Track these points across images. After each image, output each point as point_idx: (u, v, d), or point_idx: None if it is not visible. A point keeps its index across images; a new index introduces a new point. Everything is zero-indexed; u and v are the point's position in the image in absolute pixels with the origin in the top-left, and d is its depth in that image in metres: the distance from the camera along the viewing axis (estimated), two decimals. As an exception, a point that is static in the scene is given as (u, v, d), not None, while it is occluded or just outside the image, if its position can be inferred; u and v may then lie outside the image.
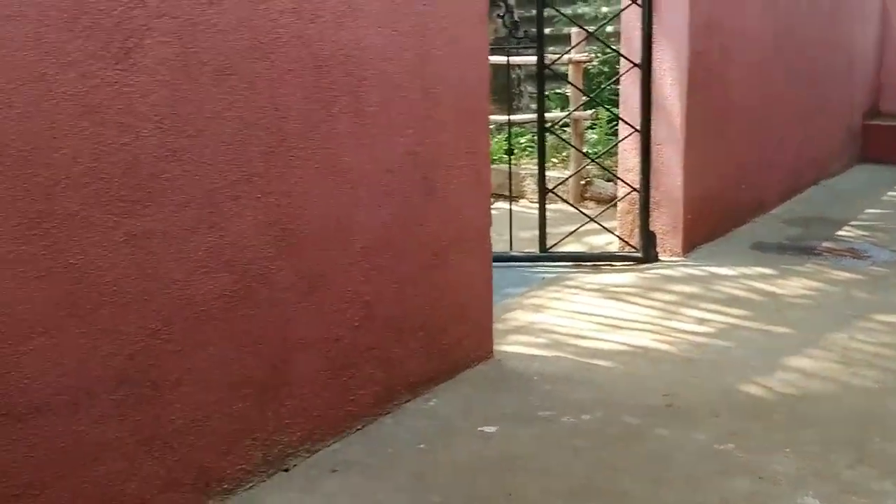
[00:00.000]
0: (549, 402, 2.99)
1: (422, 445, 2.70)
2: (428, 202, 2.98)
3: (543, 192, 4.74)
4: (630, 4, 4.58)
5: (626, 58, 4.67)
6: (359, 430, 2.79)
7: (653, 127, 4.62)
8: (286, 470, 2.55)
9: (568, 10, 7.31)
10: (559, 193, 5.06)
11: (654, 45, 4.54)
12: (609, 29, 6.67)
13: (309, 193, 2.52)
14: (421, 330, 3.01)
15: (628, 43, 4.70)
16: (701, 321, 3.81)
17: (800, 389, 3.09)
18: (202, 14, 2.17)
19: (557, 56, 5.52)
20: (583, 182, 6.32)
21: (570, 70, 6.15)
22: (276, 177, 2.42)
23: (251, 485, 2.45)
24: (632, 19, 4.64)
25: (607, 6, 7.27)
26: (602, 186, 6.23)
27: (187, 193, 2.19)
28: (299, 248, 2.51)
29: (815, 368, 3.27)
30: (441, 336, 3.11)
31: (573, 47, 5.96)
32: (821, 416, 2.88)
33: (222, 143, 2.26)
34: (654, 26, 4.53)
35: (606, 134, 6.90)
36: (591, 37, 5.28)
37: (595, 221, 4.86)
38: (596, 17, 7.28)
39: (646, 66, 4.53)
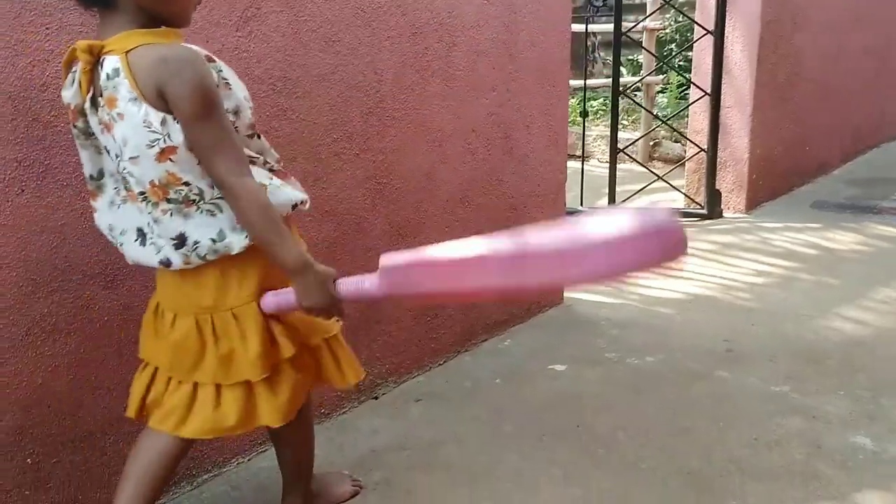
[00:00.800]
0: (614, 345, 2.98)
1: (497, 381, 2.73)
2: (507, 160, 2.96)
3: (615, 152, 4.67)
4: (704, -27, 4.43)
5: (700, 25, 4.55)
6: (441, 364, 2.83)
7: (723, 91, 4.50)
8: (376, 398, 2.60)
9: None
10: (629, 153, 4.97)
11: (727, 13, 4.40)
12: (682, -2, 6.48)
13: (401, 150, 2.53)
14: (500, 276, 3.02)
15: (703, 11, 4.57)
16: (759, 273, 3.75)
17: (852, 337, 3.02)
18: (310, -15, 2.19)
19: (633, 24, 5.38)
20: (652, 143, 6.20)
21: (644, 37, 5.99)
22: (373, 135, 2.43)
23: (345, 410, 2.51)
24: (706, -12, 4.50)
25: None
26: (670, 147, 6.11)
27: (295, 149, 2.22)
28: (391, 199, 2.53)
29: (866, 318, 3.19)
30: (518, 282, 3.11)
31: (649, 15, 5.80)
32: (872, 362, 2.81)
33: (326, 104, 2.28)
34: (728, -7, 4.38)
35: (676, 98, 6.72)
36: (666, 5, 5.12)
37: (663, 179, 4.79)
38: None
39: (719, 33, 4.41)
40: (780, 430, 2.38)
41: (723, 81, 4.49)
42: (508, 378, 2.75)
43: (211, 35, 1.97)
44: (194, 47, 1.49)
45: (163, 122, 1.41)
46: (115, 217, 1.60)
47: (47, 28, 1.70)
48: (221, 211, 1.52)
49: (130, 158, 1.46)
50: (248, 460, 2.26)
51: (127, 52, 1.41)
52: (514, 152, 2.98)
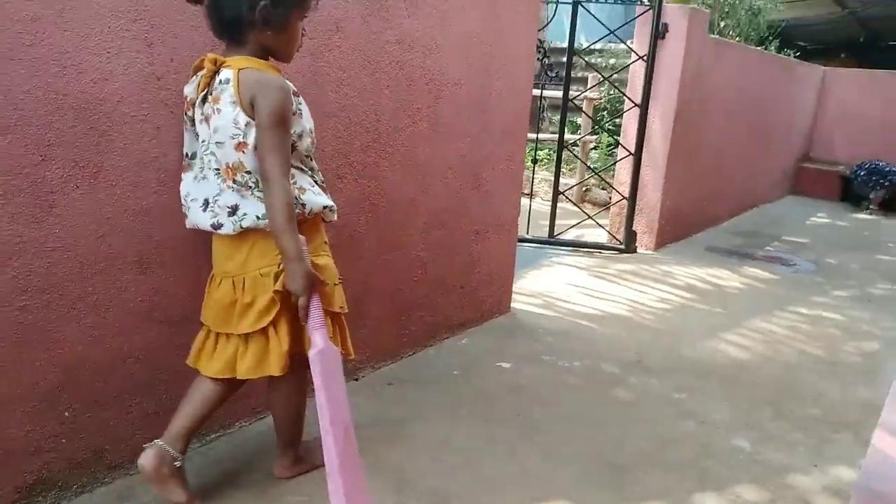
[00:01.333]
0: (549, 350, 2.96)
1: (455, 372, 2.69)
2: (475, 194, 2.93)
3: (556, 193, 4.68)
4: (637, 59, 4.47)
5: (630, 99, 4.55)
6: (410, 355, 2.78)
7: (644, 154, 4.53)
8: (356, 379, 2.55)
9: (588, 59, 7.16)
10: (567, 195, 4.99)
11: (651, 92, 4.44)
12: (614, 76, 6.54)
13: (391, 179, 2.49)
14: (460, 287, 2.98)
15: (632, 88, 4.59)
16: (662, 300, 3.76)
17: (734, 359, 3.04)
18: (329, 39, 2.14)
19: (577, 94, 5.41)
20: (584, 189, 6.23)
21: (584, 104, 6.03)
22: (370, 164, 2.39)
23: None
24: (637, 70, 4.54)
25: (615, 59, 7.08)
26: (598, 193, 6.14)
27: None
28: (381, 218, 2.49)
29: (745, 343, 3.22)
30: (474, 293, 3.08)
31: (590, 88, 5.84)
32: (750, 380, 2.83)
33: (333, 136, 2.24)
34: (654, 76, 4.42)
35: (605, 154, 6.79)
36: (604, 81, 5.15)
37: (592, 219, 4.80)
38: (606, 66, 7.11)
39: (644, 107, 4.42)
40: (677, 431, 2.38)
41: (645, 146, 4.53)
42: (464, 370, 2.71)
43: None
44: (287, 82, 1.59)
45: (246, 125, 1.55)
46: (192, 188, 1.69)
47: (108, 52, 1.63)
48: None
49: (217, 143, 1.59)
50: (250, 424, 2.19)
51: (240, 69, 1.55)
52: (481, 188, 2.95)
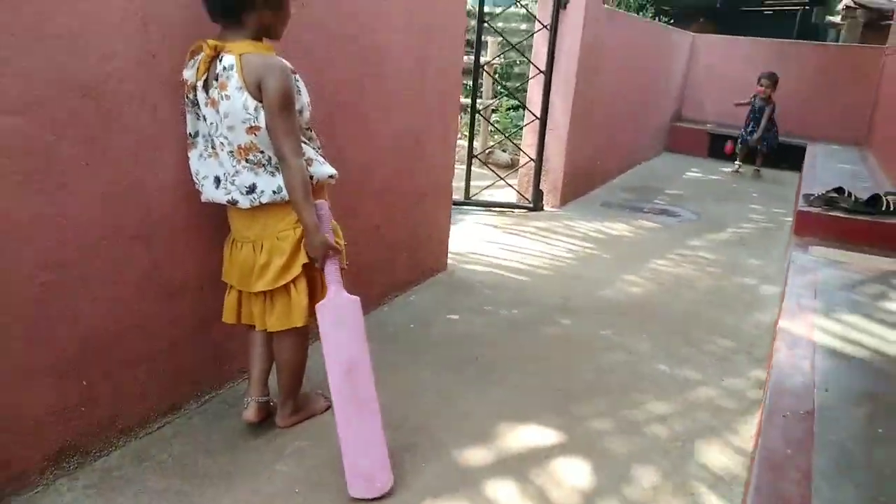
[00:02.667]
0: (489, 301, 3.26)
1: (412, 325, 2.92)
2: (417, 158, 3.13)
3: (471, 156, 4.94)
4: (541, 28, 4.77)
5: (535, 66, 4.86)
6: (369, 314, 2.94)
7: (549, 117, 4.88)
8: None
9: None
10: (480, 158, 5.25)
11: (554, 59, 4.76)
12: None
13: (349, 147, 2.64)
14: (407, 248, 3.19)
15: (537, 55, 4.89)
16: (573, 251, 4.16)
17: (641, 296, 3.48)
18: (297, 14, 2.24)
19: (486, 60, 5.65)
20: (487, 151, 6.54)
21: (486, 68, 6.28)
22: (331, 133, 2.51)
23: (315, 340, 2.59)
24: (540, 38, 4.85)
25: (505, 24, 7.39)
26: (500, 156, 6.47)
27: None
28: (340, 183, 2.60)
29: (649, 285, 3.67)
30: (418, 252, 3.30)
31: (499, 55, 6.09)
32: (658, 313, 3.27)
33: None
34: (557, 45, 4.75)
35: (505, 118, 7.11)
36: (511, 48, 5.38)
37: (503, 179, 5.12)
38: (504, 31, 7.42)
39: (548, 73, 4.74)
40: (610, 361, 2.76)
41: (549, 110, 4.87)
42: (419, 324, 2.94)
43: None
44: (285, 61, 1.70)
45: (255, 108, 1.67)
46: (200, 165, 1.83)
47: (110, 31, 1.68)
48: (280, 172, 1.75)
49: (228, 128, 1.70)
50: (237, 384, 2.31)
51: (241, 54, 1.65)
52: (422, 154, 3.15)
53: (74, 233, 1.70)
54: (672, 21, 8.48)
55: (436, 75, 3.12)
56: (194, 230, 2.00)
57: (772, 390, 2.05)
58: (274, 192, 1.76)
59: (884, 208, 4.25)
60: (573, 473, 2.00)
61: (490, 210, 4.95)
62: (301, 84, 1.80)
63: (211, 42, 1.68)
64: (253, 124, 1.69)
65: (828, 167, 5.99)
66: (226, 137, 1.74)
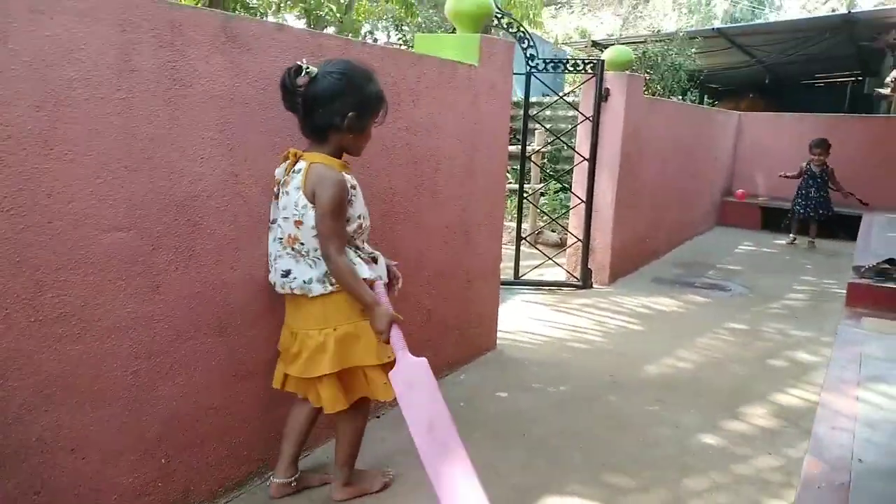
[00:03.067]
0: (537, 378, 3.37)
1: (462, 404, 3.05)
2: (466, 247, 3.36)
3: (519, 238, 5.16)
4: (584, 120, 5.05)
5: (580, 154, 5.11)
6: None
7: (594, 199, 5.08)
8: (378, 417, 2.85)
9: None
10: (527, 240, 5.46)
11: (598, 146, 5.01)
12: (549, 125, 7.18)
13: (403, 240, 2.89)
14: (457, 328, 3.37)
15: (580, 143, 5.16)
16: (621, 328, 4.24)
17: (691, 372, 3.53)
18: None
19: (534, 150, 5.93)
20: (537, 232, 6.75)
21: (534, 156, 6.58)
22: (387, 230, 2.79)
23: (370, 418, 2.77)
24: (583, 128, 5.12)
25: (551, 111, 7.75)
26: (549, 236, 6.67)
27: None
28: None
29: (697, 359, 3.72)
30: (468, 333, 3.47)
31: (546, 144, 6.39)
32: (706, 389, 3.31)
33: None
34: (599, 134, 5.01)
35: (552, 200, 7.36)
36: (556, 139, 5.66)
37: (552, 259, 5.30)
38: (545, 118, 7.78)
39: (592, 160, 4.98)
40: (656, 435, 2.83)
41: (595, 193, 5.08)
42: (468, 402, 3.08)
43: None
44: (348, 176, 1.98)
45: (303, 206, 1.95)
46: (272, 248, 2.10)
47: (201, 158, 2.01)
48: (316, 266, 2.00)
49: (283, 218, 2.01)
50: (300, 460, 2.50)
51: (311, 163, 1.96)
52: (470, 242, 3.38)
53: (164, 327, 1.98)
54: (716, 101, 8.67)
55: (483, 174, 3.38)
56: (265, 318, 2.26)
57: (808, 463, 2.10)
58: (304, 283, 2.00)
59: (937, 278, 4.22)
60: (615, 545, 2.08)
61: (540, 289, 5.11)
62: (358, 197, 2.04)
63: (293, 151, 2.01)
64: (297, 218, 1.96)
65: (883, 237, 5.93)
66: (280, 226, 2.02)
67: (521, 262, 5.22)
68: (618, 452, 2.67)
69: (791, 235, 7.42)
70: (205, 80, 1.98)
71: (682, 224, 7.01)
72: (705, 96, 8.51)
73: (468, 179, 3.28)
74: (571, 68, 5.11)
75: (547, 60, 4.79)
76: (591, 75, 4.95)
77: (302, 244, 1.99)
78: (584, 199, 5.04)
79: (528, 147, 5.13)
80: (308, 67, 1.94)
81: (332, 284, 2.00)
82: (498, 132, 3.48)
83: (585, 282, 5.16)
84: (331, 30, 11.47)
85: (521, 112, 4.94)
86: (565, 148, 7.79)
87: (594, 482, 2.44)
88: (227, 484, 2.25)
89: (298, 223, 1.96)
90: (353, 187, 2.02)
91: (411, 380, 1.99)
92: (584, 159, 5.01)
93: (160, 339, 1.98)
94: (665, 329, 4.25)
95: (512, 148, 5.48)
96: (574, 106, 5.46)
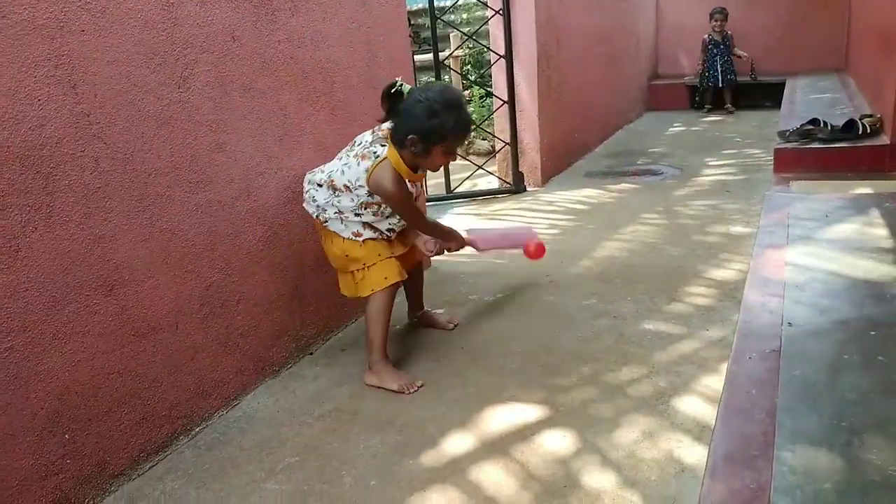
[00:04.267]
0: (473, 289, 3.29)
1: (396, 326, 2.94)
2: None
3: (445, 151, 4.96)
4: (495, 14, 4.79)
5: (494, 52, 4.88)
6: (354, 322, 3.01)
7: (516, 99, 4.89)
8: (311, 353, 2.76)
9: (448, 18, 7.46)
10: (454, 150, 5.28)
11: (513, 42, 4.78)
12: (466, 29, 6.87)
13: (305, 165, 2.68)
14: (384, 251, 3.23)
15: (495, 41, 4.91)
16: (556, 226, 4.16)
17: (626, 261, 3.49)
18: (229, 48, 2.30)
19: (447, 54, 5.68)
20: (466, 142, 6.57)
21: (451, 62, 6.33)
22: (285, 156, 2.58)
23: (290, 366, 2.67)
24: (496, 24, 4.86)
25: (468, 14, 7.40)
26: (480, 144, 6.50)
27: (231, 173, 2.34)
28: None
29: (632, 246, 3.68)
30: (397, 254, 3.34)
31: (457, 47, 6.12)
32: (643, 275, 3.28)
33: (250, 136, 2.41)
34: (512, 28, 4.76)
35: (478, 107, 7.13)
36: (468, 38, 5.43)
37: (482, 168, 5.15)
38: (462, 22, 7.43)
39: (508, 57, 4.76)
40: (594, 328, 2.78)
41: (515, 92, 4.89)
42: (403, 323, 2.97)
43: (160, 94, 2.05)
44: (398, 182, 2.30)
45: (361, 188, 2.34)
46: (315, 193, 2.46)
47: (38, 100, 1.74)
48: (345, 224, 2.44)
49: (340, 169, 2.39)
50: (227, 412, 2.37)
51: (384, 159, 2.30)
52: (383, 159, 3.19)
53: (36, 294, 1.76)
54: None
55: (385, 81, 3.12)
56: (158, 268, 2.07)
57: (739, 334, 2.07)
58: (327, 216, 2.45)
59: (860, 132, 4.23)
60: (555, 444, 2.03)
61: (472, 200, 4.98)
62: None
63: (387, 130, 2.38)
64: (350, 187, 2.35)
65: (806, 99, 5.94)
66: (332, 172, 2.39)
67: (453, 176, 5.05)
68: (556, 351, 2.61)
69: (707, 106, 7.62)
70: (24, 8, 1.69)
71: (610, 114, 6.90)
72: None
73: (369, 90, 3.05)
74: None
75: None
76: (495, -36, 4.66)
77: (339, 200, 2.38)
78: (507, 100, 4.85)
79: (442, 52, 4.87)
80: (402, 85, 2.31)
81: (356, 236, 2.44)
82: (396, 34, 3.23)
83: (518, 186, 5.04)
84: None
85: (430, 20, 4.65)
86: (487, 51, 7.52)
87: (534, 384, 2.38)
88: (147, 448, 2.10)
89: (347, 189, 2.34)
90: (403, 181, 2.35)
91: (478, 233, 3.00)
92: (500, 57, 4.78)
93: (33, 307, 1.77)
94: (599, 222, 4.19)
95: (425, 56, 5.25)
96: (480, 0, 5.17)
